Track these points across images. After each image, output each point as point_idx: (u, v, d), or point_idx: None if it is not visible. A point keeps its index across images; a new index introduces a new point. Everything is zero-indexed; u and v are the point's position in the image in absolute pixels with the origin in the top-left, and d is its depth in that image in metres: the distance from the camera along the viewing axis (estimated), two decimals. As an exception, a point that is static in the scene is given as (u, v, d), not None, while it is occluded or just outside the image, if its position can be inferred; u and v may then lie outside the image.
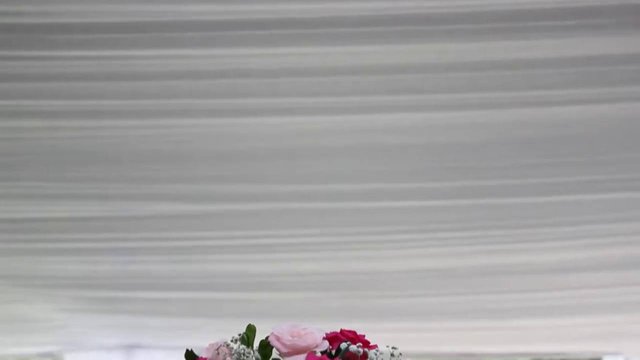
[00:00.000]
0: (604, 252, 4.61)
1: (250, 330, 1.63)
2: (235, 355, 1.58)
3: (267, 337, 1.61)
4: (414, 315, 5.78)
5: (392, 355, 1.57)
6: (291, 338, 1.58)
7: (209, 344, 1.62)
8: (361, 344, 1.57)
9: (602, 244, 4.49)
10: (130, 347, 7.34)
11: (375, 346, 1.59)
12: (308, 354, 1.53)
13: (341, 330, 1.62)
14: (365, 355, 1.56)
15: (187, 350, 1.60)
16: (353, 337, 1.60)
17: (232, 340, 1.61)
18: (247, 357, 1.58)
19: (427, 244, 4.37)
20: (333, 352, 1.58)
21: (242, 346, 1.60)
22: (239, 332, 1.64)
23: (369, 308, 5.09)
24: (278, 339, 1.58)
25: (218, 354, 1.59)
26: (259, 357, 1.59)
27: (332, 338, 1.61)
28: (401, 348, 1.59)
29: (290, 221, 4.16)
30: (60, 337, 7.60)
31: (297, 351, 1.56)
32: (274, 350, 1.61)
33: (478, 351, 10.41)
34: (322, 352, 1.56)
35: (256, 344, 1.63)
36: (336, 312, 5.04)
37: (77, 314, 6.41)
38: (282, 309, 4.99)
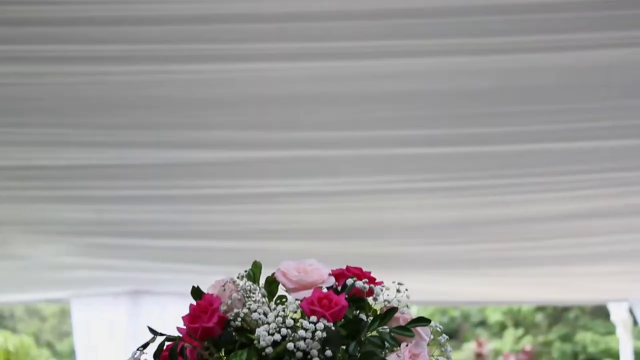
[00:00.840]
0: (612, 200, 4.60)
1: (256, 267, 1.64)
2: (242, 291, 1.59)
3: (273, 274, 1.62)
4: (421, 264, 5.81)
5: (397, 291, 1.58)
6: (297, 274, 1.59)
7: (215, 281, 1.63)
8: (367, 280, 1.58)
9: (611, 193, 4.48)
10: (136, 293, 7.41)
11: (381, 282, 1.60)
12: (314, 290, 1.54)
13: (347, 267, 1.63)
14: (371, 291, 1.57)
15: (194, 287, 1.61)
16: (359, 273, 1.61)
17: (238, 277, 1.62)
18: (253, 293, 1.59)
19: (435, 193, 4.36)
20: (339, 288, 1.59)
21: (248, 283, 1.61)
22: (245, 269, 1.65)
23: (376, 257, 5.12)
24: (284, 274, 1.59)
25: (224, 290, 1.60)
26: (265, 293, 1.60)
27: (338, 274, 1.62)
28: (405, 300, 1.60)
29: (296, 169, 4.16)
30: (67, 283, 7.67)
31: (304, 287, 1.57)
32: (280, 286, 1.62)
33: (484, 299, 10.49)
34: (328, 288, 1.57)
35: (262, 281, 1.65)
36: (342, 261, 5.06)
37: (85, 260, 6.45)
38: (287, 258, 5.01)
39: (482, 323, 25.18)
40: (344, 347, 1.48)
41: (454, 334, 23.44)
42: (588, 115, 3.69)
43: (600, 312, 22.43)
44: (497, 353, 22.92)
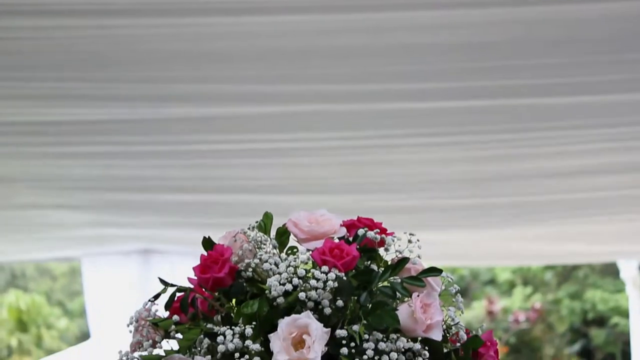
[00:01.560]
0: (623, 156, 4.58)
1: (268, 218, 1.64)
2: (253, 242, 1.59)
3: (284, 225, 1.61)
4: (428, 219, 5.81)
5: (409, 241, 1.57)
6: (309, 224, 1.58)
7: (226, 232, 1.62)
8: (378, 231, 1.57)
9: (622, 148, 4.45)
10: (147, 252, 7.44)
11: (392, 233, 1.59)
12: (325, 240, 1.53)
13: (358, 217, 1.63)
14: (382, 241, 1.57)
15: (205, 237, 1.60)
16: (370, 224, 1.61)
17: (249, 228, 1.62)
18: (264, 244, 1.58)
19: (443, 147, 4.34)
20: (350, 238, 1.59)
21: (259, 234, 1.60)
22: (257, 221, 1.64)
23: (383, 211, 5.11)
24: (295, 224, 1.58)
25: (235, 241, 1.59)
26: (276, 244, 1.60)
27: (350, 225, 1.62)
28: (416, 251, 1.60)
29: (303, 124, 4.13)
30: (77, 242, 7.70)
31: (315, 237, 1.57)
32: (291, 237, 1.61)
33: (493, 257, 10.50)
34: (340, 238, 1.57)
35: (273, 232, 1.64)
36: (350, 215, 5.06)
37: (94, 218, 6.46)
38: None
39: (492, 281, 25.26)
40: (355, 297, 1.47)
41: (464, 292, 23.41)
42: (599, 69, 3.65)
43: (610, 270, 22.46)
44: (506, 311, 23.00)
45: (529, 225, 6.82)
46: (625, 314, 18.43)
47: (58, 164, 4.64)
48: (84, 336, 16.69)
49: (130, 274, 7.57)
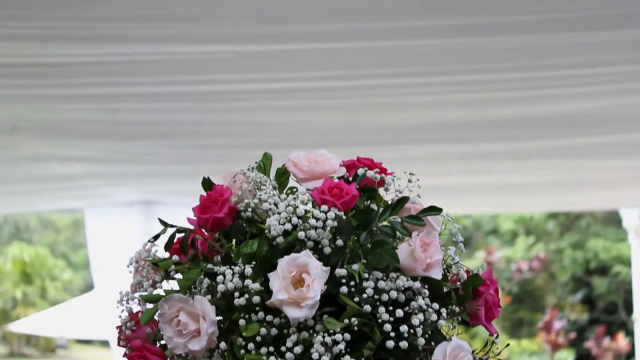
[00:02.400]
0: (627, 98, 4.53)
1: (267, 158, 1.63)
2: (252, 183, 1.58)
3: (283, 165, 1.60)
4: (433, 165, 5.80)
5: (409, 181, 1.57)
6: (308, 164, 1.57)
7: (226, 173, 1.62)
8: (378, 170, 1.57)
9: (628, 90, 4.39)
10: (150, 203, 7.45)
11: (392, 173, 1.59)
12: (325, 179, 1.52)
13: (358, 157, 1.62)
14: (382, 181, 1.56)
15: (204, 178, 1.60)
16: (370, 164, 1.60)
17: (248, 169, 1.61)
18: (263, 185, 1.58)
19: (447, 88, 4.27)
20: (350, 178, 1.58)
21: (259, 174, 1.60)
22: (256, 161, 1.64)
23: (385, 157, 5.08)
24: (295, 164, 1.58)
25: (235, 181, 1.59)
26: (276, 184, 1.59)
27: (349, 165, 1.61)
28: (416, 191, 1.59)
29: (305, 63, 4.05)
30: (80, 193, 7.71)
31: (314, 177, 1.56)
32: (291, 178, 1.61)
33: (492, 204, 10.50)
34: (339, 178, 1.56)
35: (272, 174, 1.64)
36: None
37: (97, 168, 6.46)
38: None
39: (494, 231, 25.33)
40: (354, 236, 1.47)
41: (466, 242, 23.49)
42: (607, 2, 3.56)
43: (612, 219, 22.49)
44: (508, 261, 23.08)
45: (533, 170, 6.81)
46: (627, 262, 18.51)
47: (58, 108, 4.60)
48: (88, 288, 16.79)
49: (133, 225, 7.60)
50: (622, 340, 20.28)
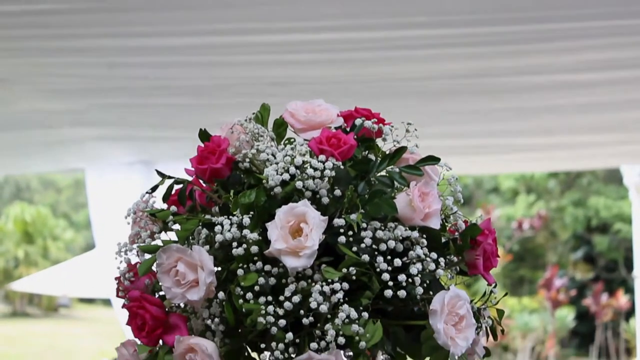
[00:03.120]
0: (627, 51, 4.48)
1: (265, 109, 1.62)
2: (250, 133, 1.58)
3: (281, 116, 1.60)
4: (429, 121, 5.78)
5: (407, 131, 1.56)
6: (305, 114, 1.57)
7: (224, 124, 1.61)
8: (376, 120, 1.56)
9: (627, 43, 4.35)
10: (150, 162, 7.45)
11: (390, 123, 1.58)
12: (323, 129, 1.52)
13: (356, 108, 1.61)
14: (380, 131, 1.56)
15: (201, 129, 1.59)
16: (368, 114, 1.60)
17: (246, 119, 1.60)
18: (261, 136, 1.58)
19: (445, 40, 4.22)
20: (348, 129, 1.58)
21: (257, 125, 1.59)
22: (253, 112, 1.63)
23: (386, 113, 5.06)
24: (292, 115, 1.57)
25: (232, 132, 1.58)
26: (274, 135, 1.59)
27: (347, 116, 1.61)
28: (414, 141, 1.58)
29: (303, 12, 3.98)
30: (81, 152, 7.70)
31: (312, 127, 1.56)
32: (288, 129, 1.60)
33: (493, 167, 10.50)
34: (337, 128, 1.56)
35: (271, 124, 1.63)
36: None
37: (97, 125, 6.44)
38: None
39: (495, 190, 25.37)
40: (352, 186, 1.46)
41: (467, 200, 23.56)
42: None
43: (613, 178, 22.51)
44: (509, 219, 23.12)
45: (533, 128, 6.79)
46: (628, 220, 18.55)
47: (56, 62, 4.56)
48: (90, 247, 16.84)
49: (134, 184, 7.60)
50: (622, 298, 20.38)
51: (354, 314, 1.38)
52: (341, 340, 1.38)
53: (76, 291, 17.63)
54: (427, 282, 1.45)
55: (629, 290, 19.43)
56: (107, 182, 8.37)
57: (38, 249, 30.41)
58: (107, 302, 18.49)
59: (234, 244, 1.42)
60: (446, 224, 1.56)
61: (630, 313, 19.07)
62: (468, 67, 4.61)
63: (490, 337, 1.59)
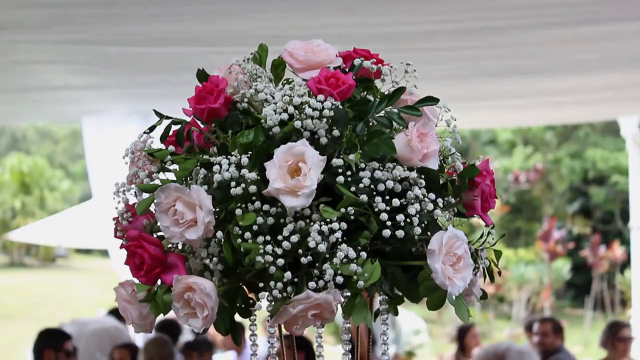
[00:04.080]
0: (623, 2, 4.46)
1: (263, 50, 1.61)
2: (248, 74, 1.57)
3: (279, 56, 1.59)
4: (426, 71, 5.75)
5: (405, 71, 1.55)
6: (304, 54, 1.56)
7: (222, 65, 1.60)
8: (375, 61, 1.55)
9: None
10: (147, 112, 7.42)
11: (389, 64, 1.57)
12: (321, 69, 1.51)
13: (354, 48, 1.60)
14: (379, 72, 1.55)
15: (199, 69, 1.58)
16: (367, 55, 1.58)
17: (244, 60, 1.59)
18: (259, 76, 1.57)
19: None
20: (347, 69, 1.57)
21: (255, 65, 1.58)
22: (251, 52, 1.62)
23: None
24: (291, 54, 1.56)
25: (230, 72, 1.57)
26: (272, 76, 1.58)
27: (346, 56, 1.59)
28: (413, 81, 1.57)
29: None
30: (77, 102, 7.67)
31: (311, 67, 1.55)
32: (287, 69, 1.59)
33: (490, 120, 10.47)
34: (335, 68, 1.55)
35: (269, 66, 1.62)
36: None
37: (94, 75, 6.41)
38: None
39: (492, 142, 25.35)
40: (351, 127, 1.46)
41: (464, 152, 23.55)
42: None
43: (610, 130, 22.50)
44: (506, 171, 23.13)
45: (531, 80, 6.77)
46: (625, 172, 18.57)
47: (54, 13, 4.52)
48: (87, 198, 16.85)
49: (131, 134, 7.58)
50: (617, 249, 20.46)
51: (352, 253, 1.38)
52: (339, 279, 1.38)
53: (73, 241, 17.66)
54: (425, 222, 1.45)
55: (625, 242, 19.51)
56: (104, 132, 8.35)
57: (35, 200, 30.42)
58: (104, 253, 18.53)
59: (232, 183, 1.42)
60: (444, 165, 1.56)
61: (625, 265, 19.16)
62: (465, 19, 4.59)
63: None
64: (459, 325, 9.87)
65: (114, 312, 8.42)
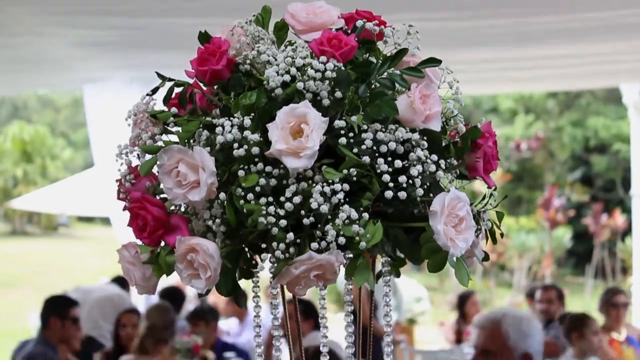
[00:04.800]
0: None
1: (266, 11, 1.61)
2: (250, 36, 1.56)
3: (282, 19, 1.58)
4: (427, 40, 5.73)
5: (408, 33, 1.55)
6: (306, 15, 1.55)
7: (224, 26, 1.60)
8: (377, 22, 1.55)
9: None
10: (149, 80, 7.40)
11: (391, 25, 1.56)
12: (323, 31, 1.51)
13: (357, 10, 1.60)
14: (381, 34, 1.54)
15: (201, 32, 1.58)
16: (369, 16, 1.58)
17: (246, 22, 1.59)
18: (262, 38, 1.56)
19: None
20: (349, 31, 1.56)
21: (257, 27, 1.58)
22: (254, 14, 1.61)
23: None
24: (293, 16, 1.55)
25: (232, 34, 1.57)
26: (274, 38, 1.58)
27: (348, 18, 1.59)
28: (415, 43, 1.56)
29: None
30: (79, 69, 7.65)
31: (313, 28, 1.54)
32: (289, 32, 1.59)
33: (492, 87, 10.44)
34: (338, 30, 1.54)
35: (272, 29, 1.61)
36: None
37: (95, 44, 6.39)
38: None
39: (494, 110, 25.31)
40: (353, 88, 1.46)
41: (465, 120, 23.49)
42: None
43: (612, 98, 22.44)
44: (507, 139, 23.12)
45: (533, 47, 6.75)
46: (626, 140, 18.56)
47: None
48: (88, 166, 16.85)
49: (132, 102, 7.56)
50: (619, 217, 20.49)
51: (354, 214, 1.38)
52: (341, 240, 1.39)
53: (75, 209, 17.69)
54: (428, 184, 1.45)
55: (626, 210, 19.53)
56: (105, 101, 8.34)
57: (37, 168, 30.44)
58: (106, 221, 18.57)
59: (235, 145, 1.42)
60: (447, 127, 1.55)
61: (626, 232, 19.19)
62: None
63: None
64: (459, 293, 9.91)
65: (117, 280, 8.46)
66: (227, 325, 8.64)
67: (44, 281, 21.02)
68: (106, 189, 8.84)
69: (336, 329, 2.67)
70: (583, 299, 19.18)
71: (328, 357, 1.60)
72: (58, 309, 5.61)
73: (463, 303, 9.08)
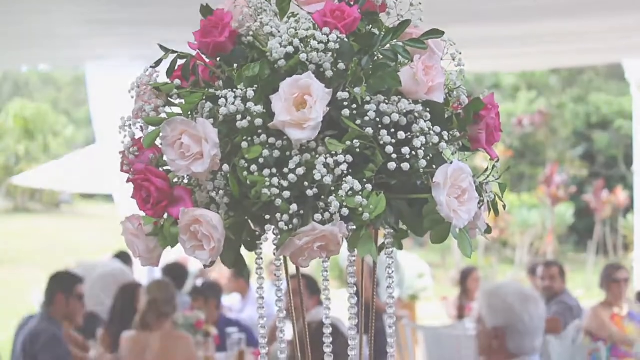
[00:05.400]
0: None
1: (267, -15, 1.60)
2: (253, 8, 1.56)
3: (284, -10, 1.58)
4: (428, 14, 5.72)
5: (411, 4, 1.55)
6: (309, -14, 1.55)
7: (226, -1, 1.59)
8: (380, -8, 1.54)
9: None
10: (151, 57, 7.39)
11: (395, -4, 1.56)
12: (326, 2, 1.50)
13: (360, -19, 1.59)
14: (384, 5, 1.54)
15: (202, 5, 1.58)
16: (372, -12, 1.57)
17: (249, -6, 1.58)
18: (265, 9, 1.56)
19: None
20: (351, 2, 1.56)
21: (260, -1, 1.57)
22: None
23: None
24: (296, -13, 1.55)
25: (235, 6, 1.56)
26: (277, 10, 1.57)
27: (351, -12, 1.58)
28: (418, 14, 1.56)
29: None
30: (81, 46, 7.64)
31: (315, 0, 1.54)
32: (292, 3, 1.59)
33: (494, 64, 10.43)
34: (340, 1, 1.54)
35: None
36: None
37: (97, 21, 6.38)
38: None
39: (496, 86, 25.26)
40: (356, 60, 1.45)
41: (467, 96, 23.42)
42: None
43: (615, 74, 22.40)
44: (510, 115, 23.10)
45: (535, 22, 6.74)
46: (629, 116, 18.54)
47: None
48: (90, 144, 16.85)
49: (134, 79, 7.56)
50: (620, 194, 20.50)
51: (357, 185, 1.39)
52: (345, 211, 1.39)
53: (77, 186, 17.70)
54: (430, 155, 1.45)
55: (628, 187, 19.54)
56: (107, 78, 8.33)
57: (39, 146, 30.46)
58: (108, 199, 18.59)
59: (238, 116, 1.42)
60: (450, 98, 1.56)
61: (628, 209, 19.21)
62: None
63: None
64: (461, 269, 9.94)
65: (120, 256, 8.48)
66: (230, 301, 8.67)
67: (46, 258, 21.06)
68: (108, 166, 8.87)
69: (338, 304, 2.68)
70: (585, 275, 19.22)
71: (330, 329, 1.61)
72: (64, 286, 5.63)
73: (465, 279, 9.10)
